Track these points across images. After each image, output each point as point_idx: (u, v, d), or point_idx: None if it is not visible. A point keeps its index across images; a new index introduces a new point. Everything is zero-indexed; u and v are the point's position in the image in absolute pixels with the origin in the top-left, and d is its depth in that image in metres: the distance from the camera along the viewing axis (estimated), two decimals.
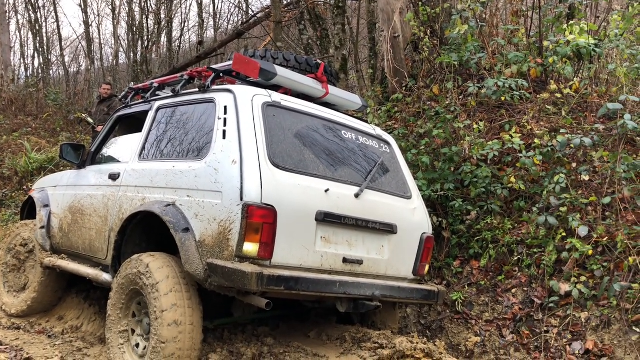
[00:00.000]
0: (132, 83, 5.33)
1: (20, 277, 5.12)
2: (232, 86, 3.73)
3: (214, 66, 4.05)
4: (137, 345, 3.55)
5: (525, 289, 4.50)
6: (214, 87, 3.81)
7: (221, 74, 3.94)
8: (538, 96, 5.78)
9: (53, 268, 4.68)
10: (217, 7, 21.47)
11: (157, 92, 4.54)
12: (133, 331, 3.62)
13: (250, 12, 16.02)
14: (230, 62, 3.78)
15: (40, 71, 22.70)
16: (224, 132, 3.47)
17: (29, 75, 23.20)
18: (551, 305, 4.28)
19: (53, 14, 26.08)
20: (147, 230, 3.85)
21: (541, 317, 4.28)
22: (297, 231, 3.32)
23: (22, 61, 25.91)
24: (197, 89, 3.92)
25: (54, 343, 4.34)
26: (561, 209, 4.55)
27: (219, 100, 3.64)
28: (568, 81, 5.84)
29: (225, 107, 3.55)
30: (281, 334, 4.01)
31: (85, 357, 4.04)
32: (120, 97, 5.37)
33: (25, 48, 26.09)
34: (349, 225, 3.57)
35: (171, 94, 4.21)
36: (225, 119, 3.51)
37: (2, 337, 4.34)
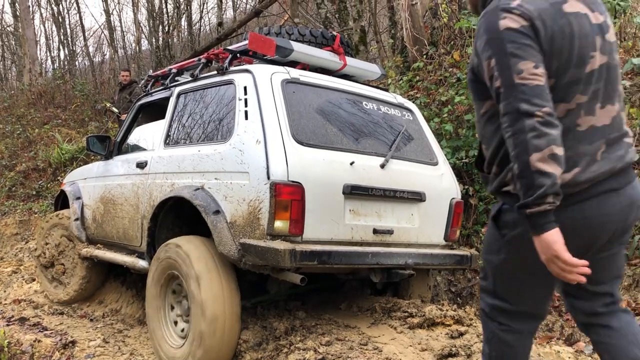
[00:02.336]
0: (151, 70, 5.37)
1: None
2: (250, 66, 3.75)
3: (230, 47, 4.07)
4: (181, 328, 3.65)
5: None
6: (232, 68, 3.84)
7: (238, 55, 3.96)
8: None
9: (91, 258, 4.83)
10: None
11: (177, 78, 4.58)
12: (172, 308, 3.72)
13: None
14: (246, 42, 3.80)
15: (66, 63, 23.06)
16: (246, 112, 3.51)
17: (56, 67, 23.58)
18: None
19: (75, 5, 26.40)
20: (178, 215, 3.93)
21: None
22: (326, 206, 3.35)
23: (48, 54, 26.39)
24: (215, 72, 3.95)
25: (95, 326, 4.50)
26: None
27: (238, 81, 3.67)
28: None
29: (245, 88, 3.58)
30: (313, 307, 4.09)
31: (126, 338, 4.18)
32: (140, 85, 5.45)
33: (51, 41, 26.53)
34: (376, 196, 3.59)
35: (190, 78, 4.26)
36: (245, 100, 3.54)
37: (47, 323, 4.52)
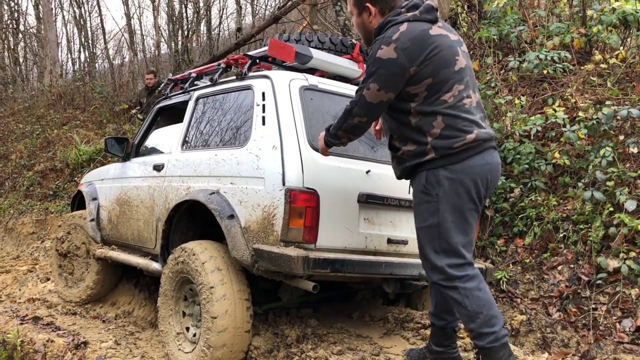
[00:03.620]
0: (171, 74, 5.40)
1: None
2: (269, 72, 3.75)
3: (249, 53, 4.08)
4: (192, 333, 3.64)
5: (572, 266, 4.42)
6: (251, 73, 3.84)
7: (257, 60, 3.96)
8: (582, 67, 5.61)
9: (105, 259, 4.86)
10: None
11: (196, 82, 4.60)
12: (184, 314, 3.72)
13: None
14: (266, 48, 3.80)
15: (86, 65, 23.32)
16: (263, 118, 3.51)
17: (76, 69, 23.86)
18: (599, 282, 4.19)
19: (96, 8, 26.74)
20: (193, 219, 3.93)
21: (589, 295, 4.20)
22: (340, 214, 3.33)
23: (69, 56, 26.73)
24: (234, 77, 3.96)
25: (107, 327, 4.51)
26: (608, 183, 4.43)
27: (256, 86, 3.67)
28: (614, 50, 5.64)
29: (263, 94, 3.58)
30: (324, 316, 4.06)
31: (138, 340, 4.18)
32: (159, 88, 5.48)
33: (72, 43, 26.87)
34: (391, 206, 3.56)
35: (209, 83, 4.27)
36: (263, 105, 3.54)
37: (60, 323, 4.55)
